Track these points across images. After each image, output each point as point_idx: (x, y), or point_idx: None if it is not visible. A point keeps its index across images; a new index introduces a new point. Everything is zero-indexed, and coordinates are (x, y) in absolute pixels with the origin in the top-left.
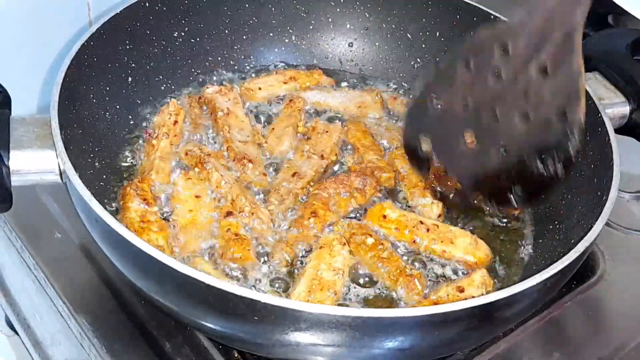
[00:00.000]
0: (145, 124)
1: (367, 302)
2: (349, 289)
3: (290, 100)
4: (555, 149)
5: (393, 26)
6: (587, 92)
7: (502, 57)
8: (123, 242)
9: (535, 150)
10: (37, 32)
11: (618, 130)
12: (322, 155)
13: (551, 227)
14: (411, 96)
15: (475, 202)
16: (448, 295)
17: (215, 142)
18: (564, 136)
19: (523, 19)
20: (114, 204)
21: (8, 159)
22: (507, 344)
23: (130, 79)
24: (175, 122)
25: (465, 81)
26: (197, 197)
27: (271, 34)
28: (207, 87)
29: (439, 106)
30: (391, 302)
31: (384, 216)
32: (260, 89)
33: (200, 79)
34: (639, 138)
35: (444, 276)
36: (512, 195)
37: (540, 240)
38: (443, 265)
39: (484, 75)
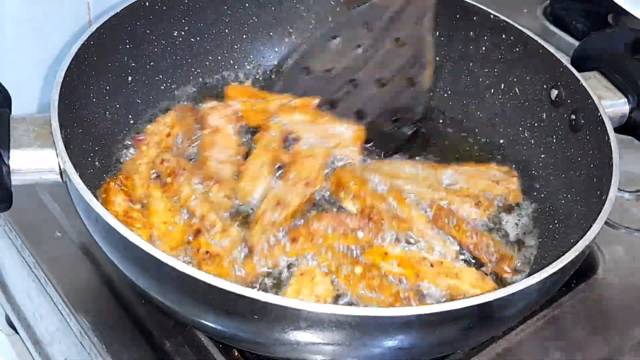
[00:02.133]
0: (145, 124)
1: None
2: None
3: (264, 129)
4: (405, 111)
5: None
6: (586, 91)
7: (365, 32)
8: (123, 241)
9: (389, 112)
10: (37, 31)
11: (618, 130)
12: (307, 183)
13: (550, 226)
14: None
15: None
16: None
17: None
18: (413, 100)
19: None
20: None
21: (8, 158)
22: (507, 343)
23: (130, 78)
24: (169, 134)
25: (333, 51)
26: (169, 210)
27: (271, 34)
28: (205, 101)
29: (307, 72)
30: None
31: (386, 253)
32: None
33: (200, 79)
34: (638, 137)
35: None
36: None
37: (540, 239)
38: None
39: (349, 47)
